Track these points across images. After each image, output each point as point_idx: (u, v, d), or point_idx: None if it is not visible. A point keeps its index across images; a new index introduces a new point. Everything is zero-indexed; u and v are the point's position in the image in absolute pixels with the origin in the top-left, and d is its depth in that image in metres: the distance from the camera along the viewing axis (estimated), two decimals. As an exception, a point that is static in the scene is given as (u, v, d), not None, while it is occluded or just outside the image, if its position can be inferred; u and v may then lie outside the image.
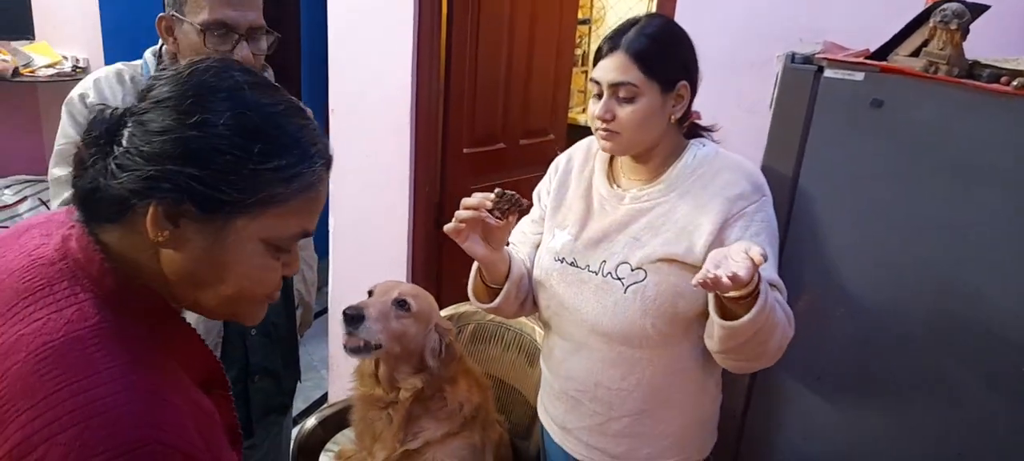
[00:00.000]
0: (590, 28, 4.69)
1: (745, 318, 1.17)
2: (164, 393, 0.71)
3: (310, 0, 4.20)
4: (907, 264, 1.34)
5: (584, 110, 4.62)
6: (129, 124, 0.72)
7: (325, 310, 3.48)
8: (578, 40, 4.34)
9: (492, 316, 2.03)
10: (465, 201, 1.31)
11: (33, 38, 3.07)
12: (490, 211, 1.29)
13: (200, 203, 0.70)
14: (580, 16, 3.78)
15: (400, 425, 1.55)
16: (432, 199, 2.67)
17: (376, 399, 1.59)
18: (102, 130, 0.73)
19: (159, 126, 0.70)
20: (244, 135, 0.71)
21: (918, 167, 1.30)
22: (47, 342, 0.68)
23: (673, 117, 1.33)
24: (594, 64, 1.32)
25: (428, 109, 2.53)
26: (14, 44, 2.97)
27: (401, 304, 1.56)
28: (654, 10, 2.07)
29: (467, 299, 2.12)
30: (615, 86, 1.27)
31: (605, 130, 1.31)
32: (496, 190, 1.30)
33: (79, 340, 0.69)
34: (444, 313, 2.07)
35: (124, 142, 0.71)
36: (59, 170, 1.49)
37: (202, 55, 1.23)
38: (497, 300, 1.46)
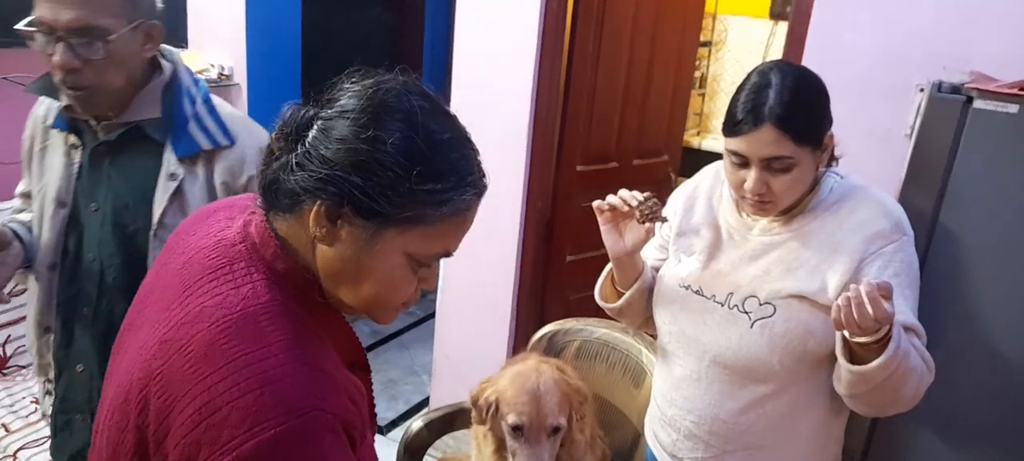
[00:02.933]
0: (710, 50, 4.61)
1: (874, 363, 1.12)
2: (324, 366, 0.78)
3: (436, 9, 4.35)
4: (1061, 314, 1.24)
5: (698, 133, 4.53)
6: (315, 127, 0.79)
7: (431, 315, 3.57)
8: (697, 62, 4.27)
9: (598, 335, 2.02)
10: (620, 192, 1.34)
11: (186, 46, 3.34)
12: (634, 208, 1.31)
13: (358, 209, 0.77)
14: (702, 38, 3.72)
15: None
16: (544, 214, 2.70)
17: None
18: (293, 128, 0.80)
19: (338, 134, 0.77)
20: (408, 156, 0.76)
21: (1079, 209, 1.20)
22: (226, 315, 0.76)
23: (822, 166, 1.28)
24: (727, 130, 1.25)
25: (545, 124, 2.56)
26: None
27: (556, 430, 1.55)
28: (783, 34, 2.01)
29: (572, 315, 2.14)
30: (767, 160, 1.21)
31: (760, 203, 1.26)
32: (646, 193, 1.32)
33: (253, 315, 0.77)
34: (547, 329, 2.09)
35: (308, 143, 0.78)
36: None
37: (48, 54, 1.21)
38: (622, 301, 1.47)
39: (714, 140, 4.31)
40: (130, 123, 1.32)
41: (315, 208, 0.77)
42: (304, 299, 0.82)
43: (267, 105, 3.24)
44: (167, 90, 1.35)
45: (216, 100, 1.43)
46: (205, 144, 1.35)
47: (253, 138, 1.41)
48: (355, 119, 0.76)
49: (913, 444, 1.44)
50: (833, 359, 1.24)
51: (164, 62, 1.38)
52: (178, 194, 1.33)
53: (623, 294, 1.47)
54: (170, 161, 1.33)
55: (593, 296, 1.59)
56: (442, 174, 0.78)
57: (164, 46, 1.37)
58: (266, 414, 0.71)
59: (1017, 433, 1.31)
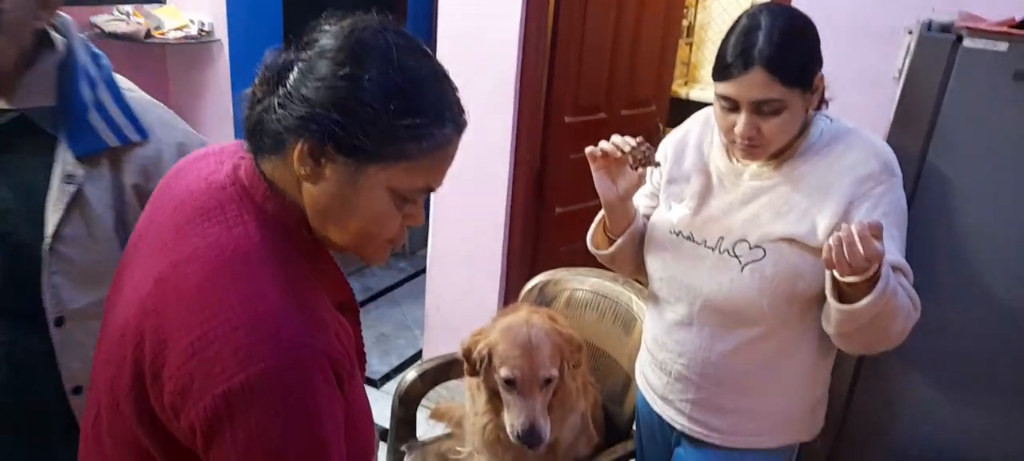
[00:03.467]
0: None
1: (863, 302, 1.13)
2: (313, 306, 0.81)
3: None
4: (1046, 252, 1.25)
5: (686, 83, 4.51)
6: (295, 68, 0.80)
7: (422, 271, 3.58)
8: (684, 11, 4.23)
9: (588, 284, 2.04)
10: (613, 138, 1.34)
11: (164, 1, 3.27)
12: (627, 153, 1.32)
13: (340, 146, 0.79)
14: (688, -14, 3.67)
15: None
16: (533, 166, 2.69)
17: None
18: (274, 71, 0.81)
19: (317, 74, 0.78)
20: (385, 92, 0.78)
21: (1066, 146, 1.21)
22: (219, 255, 0.79)
23: (811, 109, 1.28)
24: (717, 74, 1.24)
25: (533, 75, 2.54)
26: (147, 7, 3.17)
27: (548, 381, 1.56)
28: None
29: (563, 265, 2.15)
30: (757, 103, 1.21)
31: (750, 146, 1.26)
32: (638, 138, 1.33)
33: (245, 256, 0.79)
34: (538, 279, 2.10)
35: (289, 84, 0.80)
36: None
37: None
38: (613, 248, 1.48)
39: (702, 90, 4.29)
40: (15, 111, 1.08)
41: (298, 147, 0.79)
42: (294, 240, 0.84)
43: (249, 62, 3.19)
44: (61, 71, 1.11)
45: (122, 82, 1.20)
46: (110, 140, 1.12)
47: (170, 132, 1.21)
48: (333, 58, 0.78)
49: (899, 382, 1.47)
50: (822, 300, 1.26)
51: (55, 36, 1.12)
52: (78, 202, 1.10)
53: (615, 241, 1.48)
54: (66, 160, 1.09)
55: (583, 248, 1.60)
56: (421, 109, 0.80)
57: (59, 12, 1.11)
58: (257, 349, 0.74)
59: (1002, 371, 1.34)
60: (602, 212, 1.49)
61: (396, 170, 0.81)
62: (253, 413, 0.74)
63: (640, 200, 1.56)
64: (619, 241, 1.47)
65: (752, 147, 1.25)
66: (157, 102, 1.24)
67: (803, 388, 1.41)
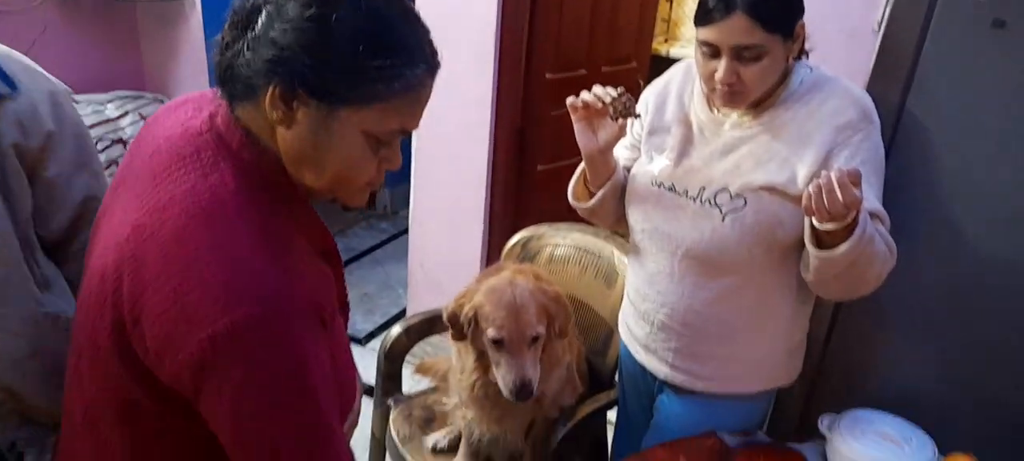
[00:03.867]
0: (677, -45, 4.52)
1: (841, 249, 1.15)
2: (291, 251, 0.82)
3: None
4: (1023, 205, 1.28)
5: (666, 40, 4.49)
6: (263, 11, 0.79)
7: (404, 231, 3.58)
8: (664, -33, 4.20)
9: (570, 239, 2.05)
10: (594, 88, 1.34)
11: (133, -44, 3.18)
12: (608, 104, 1.31)
13: (310, 89, 0.78)
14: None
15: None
16: (514, 124, 2.68)
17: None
18: (243, 15, 0.80)
19: (284, 16, 0.78)
20: (354, 33, 0.78)
21: (1041, 94, 1.23)
22: (196, 202, 0.79)
23: (792, 57, 1.28)
24: (699, 19, 1.24)
25: (513, 31, 2.51)
26: (115, -37, 3.08)
27: (536, 339, 1.56)
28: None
29: (545, 221, 2.16)
30: (737, 48, 1.21)
31: (730, 93, 1.26)
32: (619, 88, 1.32)
33: (222, 204, 0.80)
34: (520, 236, 2.11)
35: (257, 27, 0.79)
36: None
37: None
38: (594, 201, 1.49)
39: (682, 48, 4.27)
40: None
41: (270, 92, 0.79)
42: (271, 187, 0.84)
43: (221, 18, 3.13)
44: None
45: None
46: None
47: (38, 81, 1.11)
48: (300, 0, 0.78)
49: (875, 327, 1.51)
50: (801, 248, 1.28)
51: None
52: None
53: (595, 194, 1.49)
54: None
55: (566, 205, 1.61)
56: (391, 49, 0.80)
57: None
58: (238, 295, 0.75)
59: (976, 316, 1.38)
60: (582, 164, 1.50)
61: (369, 113, 0.81)
62: (239, 358, 0.75)
63: (620, 152, 1.56)
64: (600, 193, 1.48)
65: (732, 94, 1.26)
66: (13, 51, 1.13)
67: (783, 334, 1.45)
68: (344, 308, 1.01)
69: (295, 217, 0.87)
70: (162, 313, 0.76)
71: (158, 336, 0.77)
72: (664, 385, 1.55)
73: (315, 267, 0.87)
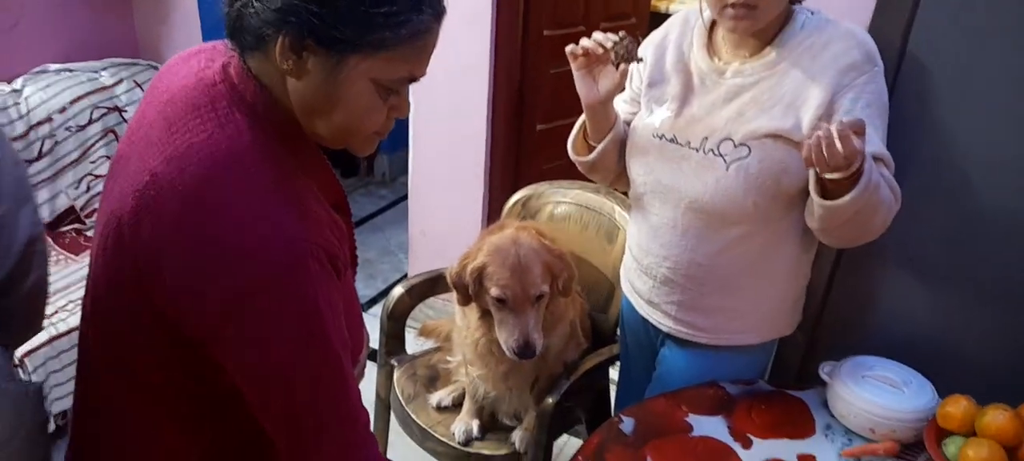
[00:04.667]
0: (675, -91, 4.44)
1: (846, 198, 1.15)
2: (308, 202, 0.85)
3: None
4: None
5: (665, -2, 4.43)
6: None
7: (403, 198, 3.57)
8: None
9: (570, 196, 2.04)
10: (594, 34, 1.32)
11: (122, -78, 3.12)
12: (609, 49, 1.29)
13: (319, 38, 0.79)
14: None
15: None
16: (512, 82, 2.66)
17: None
18: None
19: None
20: None
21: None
22: (213, 153, 0.81)
23: None
24: None
25: (509, -11, 2.48)
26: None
27: (539, 297, 1.56)
28: None
29: (545, 179, 2.15)
30: None
31: (743, 7, 1.22)
32: (621, 33, 1.30)
33: (238, 154, 0.81)
34: (521, 194, 2.10)
35: None
36: None
37: None
38: (594, 154, 1.47)
39: (681, 3, 4.23)
40: None
41: (279, 41, 0.79)
42: (284, 138, 0.86)
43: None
44: None
45: None
46: None
47: None
48: None
49: (875, 275, 1.51)
50: (805, 196, 1.27)
51: None
52: None
53: (595, 147, 1.47)
54: None
55: (566, 164, 1.59)
56: None
57: None
58: (258, 245, 0.78)
59: (976, 262, 1.37)
60: (582, 118, 1.48)
61: (377, 60, 0.82)
62: (256, 308, 0.78)
63: (620, 106, 1.54)
64: (600, 146, 1.46)
65: (748, 9, 1.22)
66: None
67: (786, 284, 1.44)
68: (353, 261, 1.03)
69: (308, 168, 0.89)
70: (182, 265, 0.78)
71: (176, 286, 0.79)
72: (667, 338, 1.55)
73: (330, 216, 0.89)
